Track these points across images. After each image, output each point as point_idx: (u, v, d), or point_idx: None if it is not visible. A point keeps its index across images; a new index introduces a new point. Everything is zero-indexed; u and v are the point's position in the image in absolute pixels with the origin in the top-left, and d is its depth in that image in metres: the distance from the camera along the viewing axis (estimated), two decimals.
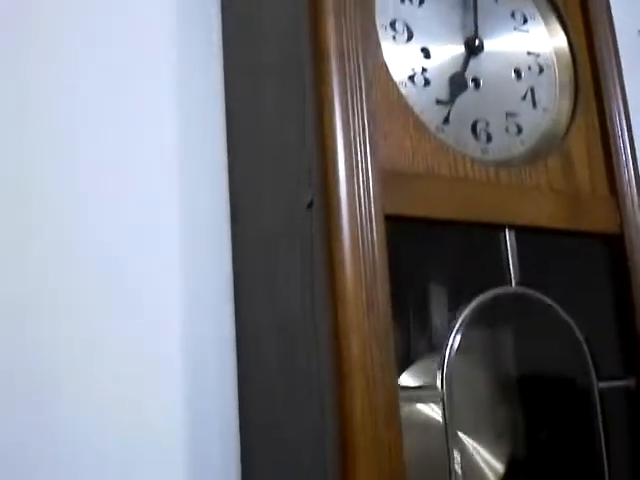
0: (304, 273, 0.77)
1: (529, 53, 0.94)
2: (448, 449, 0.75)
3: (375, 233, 0.73)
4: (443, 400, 0.75)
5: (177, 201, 0.94)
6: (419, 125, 0.81)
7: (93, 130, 0.92)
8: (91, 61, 0.93)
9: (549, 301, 0.84)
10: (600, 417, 0.84)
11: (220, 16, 1.02)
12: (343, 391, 0.69)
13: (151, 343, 0.88)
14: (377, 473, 0.68)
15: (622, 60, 0.98)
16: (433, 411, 0.82)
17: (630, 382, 0.87)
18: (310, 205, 0.76)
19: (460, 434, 0.80)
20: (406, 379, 0.83)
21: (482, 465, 0.88)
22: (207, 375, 0.90)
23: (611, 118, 0.94)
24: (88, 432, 0.83)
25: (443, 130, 0.84)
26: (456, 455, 0.75)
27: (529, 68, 0.94)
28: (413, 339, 0.90)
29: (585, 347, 0.85)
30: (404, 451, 0.69)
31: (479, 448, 0.88)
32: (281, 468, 0.81)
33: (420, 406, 0.83)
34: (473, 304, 0.79)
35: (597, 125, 0.93)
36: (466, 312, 0.78)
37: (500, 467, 0.89)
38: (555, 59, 0.96)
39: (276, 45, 0.88)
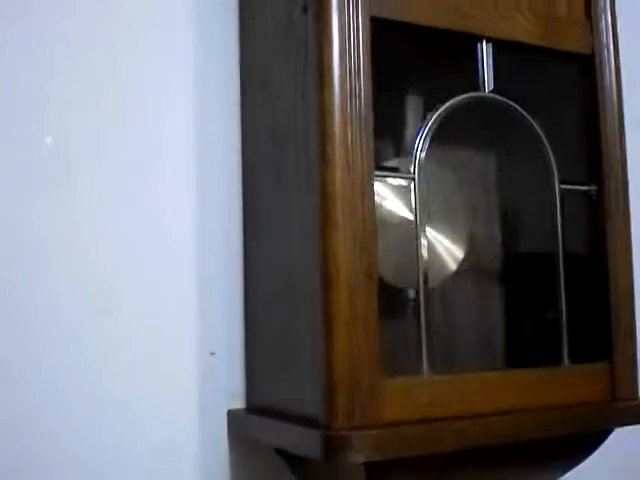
0: (297, 75, 0.87)
1: None
2: (417, 234, 0.86)
3: (361, 32, 0.82)
4: (414, 180, 0.86)
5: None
6: None
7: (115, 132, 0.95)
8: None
9: (519, 109, 0.93)
10: (559, 217, 0.95)
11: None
12: (326, 169, 0.80)
13: None
14: (352, 239, 0.80)
15: None
16: (404, 201, 0.93)
17: (591, 188, 0.97)
18: (305, 9, 0.85)
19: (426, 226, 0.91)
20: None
21: (443, 251, 1.00)
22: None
23: None
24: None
25: None
26: (423, 241, 0.87)
27: None
28: (390, 136, 1.00)
29: (550, 153, 0.94)
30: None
31: (441, 238, 1.00)
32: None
33: (393, 196, 0.93)
34: (447, 105, 0.89)
35: None
36: (439, 112, 0.88)
37: (459, 253, 1.01)
38: None
39: None
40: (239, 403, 0.97)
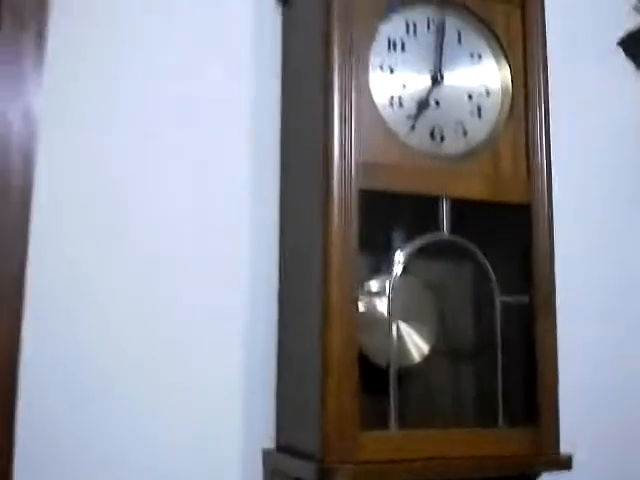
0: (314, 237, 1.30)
1: (480, 81, 1.42)
2: (389, 327, 1.28)
3: (352, 198, 1.25)
4: (389, 297, 1.27)
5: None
6: (391, 132, 1.31)
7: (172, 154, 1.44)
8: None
9: (470, 245, 1.34)
10: (498, 320, 1.34)
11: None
12: (328, 289, 1.22)
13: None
14: (346, 334, 1.21)
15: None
16: (382, 305, 1.34)
17: (523, 298, 1.36)
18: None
19: (400, 322, 1.34)
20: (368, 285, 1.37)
21: (410, 345, 1.40)
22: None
23: (533, 126, 1.40)
24: None
25: (409, 136, 1.33)
26: (394, 332, 1.28)
27: (479, 93, 1.41)
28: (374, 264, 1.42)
29: (492, 275, 1.34)
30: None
31: (411, 332, 1.40)
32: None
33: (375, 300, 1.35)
34: (415, 243, 1.31)
35: (523, 132, 1.41)
36: (408, 248, 1.30)
37: (425, 348, 1.41)
38: (500, 84, 1.43)
39: (306, 80, 1.39)
40: (271, 443, 1.38)
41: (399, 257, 1.30)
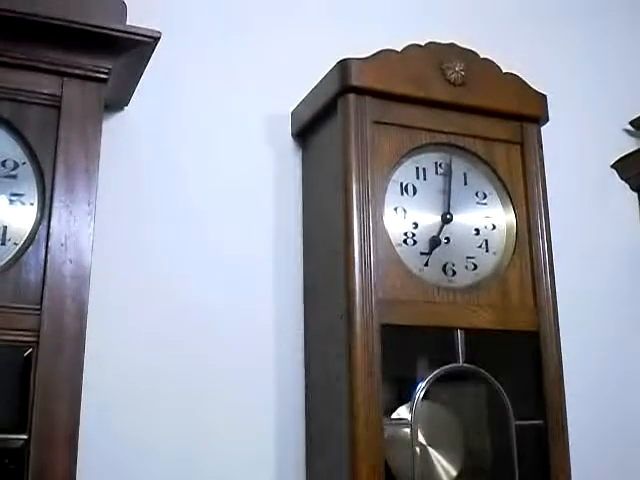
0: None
1: (486, 217, 1.54)
2: (413, 454, 1.36)
3: (374, 333, 1.35)
4: (411, 425, 1.36)
5: None
6: (406, 269, 1.42)
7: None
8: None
9: (485, 374, 1.43)
10: (515, 443, 1.42)
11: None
12: (355, 422, 1.31)
13: None
14: (373, 464, 1.30)
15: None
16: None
17: (539, 422, 1.44)
18: (341, 317, 1.39)
19: (429, 447, 1.42)
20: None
21: (440, 469, 1.48)
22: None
23: (537, 257, 1.52)
24: None
25: (423, 271, 1.45)
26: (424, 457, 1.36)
27: (485, 227, 1.53)
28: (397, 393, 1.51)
29: (507, 400, 1.43)
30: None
31: (439, 457, 1.48)
32: None
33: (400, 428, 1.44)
34: (435, 372, 1.40)
35: (529, 262, 1.52)
36: (429, 377, 1.40)
37: (453, 472, 1.49)
38: (505, 219, 1.55)
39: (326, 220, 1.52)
40: None
41: (420, 386, 1.39)
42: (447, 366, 1.42)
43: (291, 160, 1.66)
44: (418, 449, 1.38)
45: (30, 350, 1.17)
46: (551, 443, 1.43)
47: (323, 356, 1.47)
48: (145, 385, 1.43)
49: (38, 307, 1.17)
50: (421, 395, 1.39)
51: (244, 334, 1.53)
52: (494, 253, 1.53)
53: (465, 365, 1.43)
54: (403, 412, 1.46)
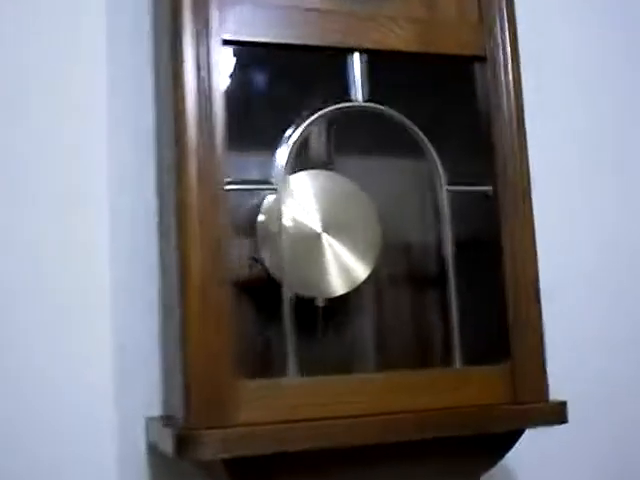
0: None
1: None
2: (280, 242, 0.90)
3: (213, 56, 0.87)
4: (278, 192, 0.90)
5: None
6: None
7: None
8: None
9: (398, 116, 0.95)
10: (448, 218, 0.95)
11: None
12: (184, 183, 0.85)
13: None
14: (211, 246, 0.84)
15: None
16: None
17: (486, 188, 0.96)
18: None
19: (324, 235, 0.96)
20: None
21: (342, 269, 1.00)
22: None
23: None
24: None
25: None
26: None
27: None
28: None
29: (435, 156, 0.95)
30: None
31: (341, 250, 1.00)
32: None
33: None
34: (315, 116, 0.92)
35: None
36: (307, 122, 0.92)
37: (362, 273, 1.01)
38: None
39: None
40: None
41: (293, 131, 0.92)
42: (339, 105, 0.94)
43: None
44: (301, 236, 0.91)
45: None
46: (509, 218, 0.95)
47: None
48: None
49: None
50: (294, 145, 0.91)
51: None
52: None
53: (367, 105, 0.95)
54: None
